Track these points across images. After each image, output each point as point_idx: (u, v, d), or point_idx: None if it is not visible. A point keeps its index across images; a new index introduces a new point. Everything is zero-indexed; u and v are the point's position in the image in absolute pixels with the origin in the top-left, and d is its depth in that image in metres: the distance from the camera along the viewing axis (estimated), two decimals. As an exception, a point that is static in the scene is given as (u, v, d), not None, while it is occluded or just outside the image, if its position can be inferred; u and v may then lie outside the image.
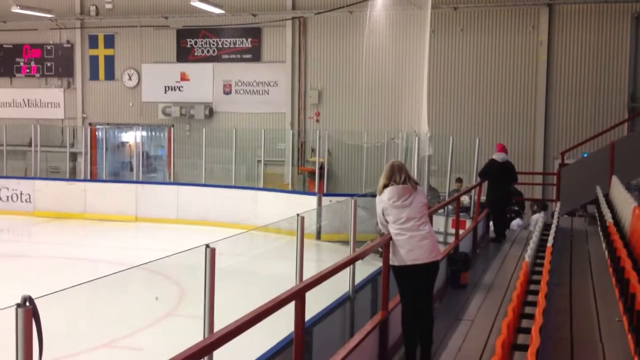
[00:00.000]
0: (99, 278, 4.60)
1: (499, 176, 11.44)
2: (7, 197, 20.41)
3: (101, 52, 22.98)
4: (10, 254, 15.32)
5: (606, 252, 8.51)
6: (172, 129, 21.33)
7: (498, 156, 11.49)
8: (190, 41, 21.89)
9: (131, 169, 21.52)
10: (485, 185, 12.33)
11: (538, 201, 15.43)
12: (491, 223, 12.11)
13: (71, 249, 16.14)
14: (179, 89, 22.12)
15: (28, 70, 23.69)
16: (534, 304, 5.40)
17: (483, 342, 6.17)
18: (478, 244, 10.99)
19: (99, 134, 22.38)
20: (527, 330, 4.63)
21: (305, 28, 20.67)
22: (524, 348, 4.40)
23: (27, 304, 2.71)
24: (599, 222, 10.67)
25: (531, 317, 5.03)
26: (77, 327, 9.29)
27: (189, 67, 21.97)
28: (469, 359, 5.87)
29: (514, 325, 4.89)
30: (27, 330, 2.72)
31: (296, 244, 6.32)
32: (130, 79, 22.67)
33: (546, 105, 18.46)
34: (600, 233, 10.01)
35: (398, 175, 5.72)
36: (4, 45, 23.81)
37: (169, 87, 22.20)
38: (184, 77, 22.06)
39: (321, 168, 18.32)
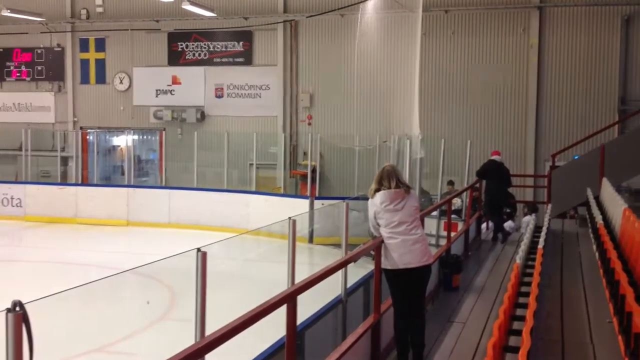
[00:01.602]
0: (91, 282, 4.59)
1: (496, 175, 11.62)
2: (-2, 201, 20.32)
3: (92, 55, 22.91)
4: (1, 259, 15.24)
5: (597, 254, 8.55)
6: (163, 132, 21.27)
7: (495, 158, 11.92)
8: (181, 44, 21.86)
9: (122, 173, 21.45)
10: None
11: (529, 203, 15.49)
12: (484, 225, 12.17)
13: (62, 253, 16.06)
14: (171, 92, 22.08)
15: (18, 74, 23.60)
16: (525, 305, 5.41)
17: (475, 344, 6.19)
18: (470, 246, 11.02)
19: (90, 137, 22.30)
20: (518, 332, 4.65)
21: (297, 31, 20.68)
22: (515, 350, 4.42)
23: (17, 308, 2.70)
24: (589, 224, 10.72)
25: (522, 319, 5.04)
26: (69, 331, 9.23)
27: (180, 71, 21.93)
28: (460, 361, 5.89)
29: (505, 327, 4.91)
30: (17, 335, 2.70)
31: (288, 248, 6.32)
32: (121, 82, 22.61)
33: (537, 108, 18.53)
34: (591, 235, 10.06)
35: (390, 179, 5.74)
36: (-6, 49, 23.75)
37: (160, 90, 22.15)
38: (175, 81, 22.02)
39: (313, 171, 18.31)
